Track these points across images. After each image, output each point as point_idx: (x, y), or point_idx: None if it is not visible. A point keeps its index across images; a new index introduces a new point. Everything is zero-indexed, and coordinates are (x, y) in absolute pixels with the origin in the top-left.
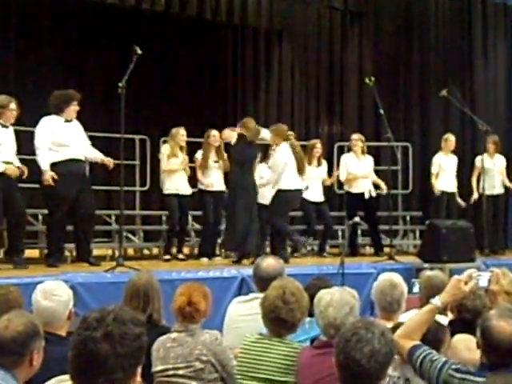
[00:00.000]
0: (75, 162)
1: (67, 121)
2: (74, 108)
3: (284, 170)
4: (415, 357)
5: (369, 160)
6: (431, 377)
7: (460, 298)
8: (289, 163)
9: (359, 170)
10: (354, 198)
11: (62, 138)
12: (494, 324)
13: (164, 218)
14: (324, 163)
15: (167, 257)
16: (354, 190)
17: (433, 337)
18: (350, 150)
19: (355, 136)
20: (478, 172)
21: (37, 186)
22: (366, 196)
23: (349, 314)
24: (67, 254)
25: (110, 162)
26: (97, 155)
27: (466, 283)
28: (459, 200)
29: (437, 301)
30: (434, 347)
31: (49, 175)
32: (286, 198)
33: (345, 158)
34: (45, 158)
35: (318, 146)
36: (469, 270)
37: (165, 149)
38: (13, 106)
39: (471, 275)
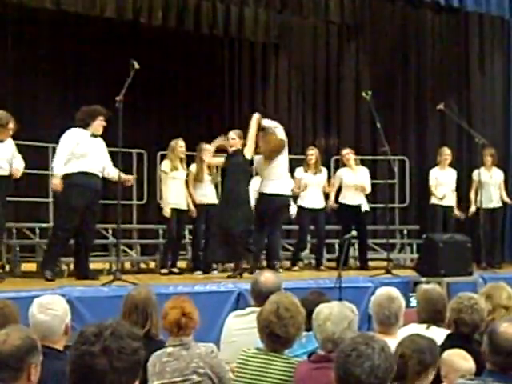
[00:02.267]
0: (91, 176)
1: (93, 135)
2: (100, 123)
3: None
4: None
5: (364, 171)
6: None
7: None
8: None
9: (356, 182)
10: (347, 210)
11: (85, 150)
12: (500, 327)
13: (161, 231)
14: (324, 170)
15: (164, 270)
16: (349, 201)
17: (430, 355)
18: (344, 165)
19: (346, 150)
20: (475, 186)
21: (35, 199)
22: (363, 209)
23: (347, 328)
24: (64, 267)
25: (129, 179)
26: (115, 174)
27: None
28: (457, 212)
29: None
30: (434, 366)
31: (58, 181)
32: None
33: (339, 172)
34: (60, 163)
35: (310, 153)
36: None
37: (165, 166)
38: (11, 125)
39: None
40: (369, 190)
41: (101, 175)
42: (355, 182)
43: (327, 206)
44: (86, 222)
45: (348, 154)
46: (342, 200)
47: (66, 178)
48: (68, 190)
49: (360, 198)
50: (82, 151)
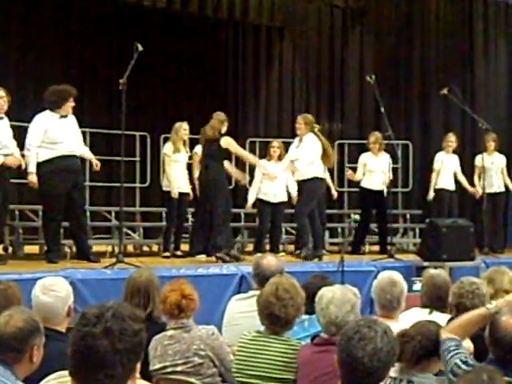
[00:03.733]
0: (69, 158)
1: (62, 116)
2: (70, 104)
3: (315, 159)
4: (442, 349)
5: (386, 157)
6: (446, 365)
7: None
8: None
9: (378, 168)
10: (369, 194)
11: (56, 135)
12: (501, 319)
13: (164, 214)
14: None
15: (167, 253)
16: (370, 186)
17: (437, 347)
18: (367, 149)
19: (372, 138)
20: (478, 171)
21: None
22: (385, 192)
23: (350, 312)
24: (67, 250)
25: (97, 164)
26: (86, 153)
27: None
28: (472, 189)
29: (492, 306)
30: (439, 356)
31: (34, 178)
32: (316, 187)
33: (363, 157)
34: (33, 159)
35: None
36: None
37: (167, 149)
38: (1, 93)
39: None
40: (388, 177)
41: (78, 154)
42: (379, 167)
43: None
44: (76, 203)
45: (374, 143)
46: (363, 185)
47: (45, 165)
48: (48, 178)
49: (382, 183)
50: (54, 135)
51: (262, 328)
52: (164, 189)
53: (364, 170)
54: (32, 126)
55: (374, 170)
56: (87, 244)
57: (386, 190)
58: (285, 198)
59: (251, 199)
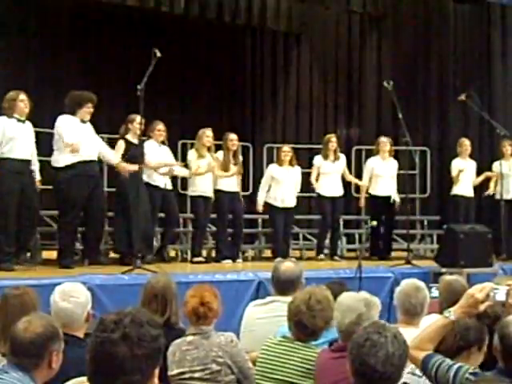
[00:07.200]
0: (88, 163)
1: (82, 121)
2: (87, 110)
3: None
4: (430, 365)
5: (394, 163)
6: (448, 382)
7: (474, 315)
8: None
9: (385, 172)
10: (377, 201)
11: (78, 138)
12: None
13: (181, 220)
14: (342, 157)
15: (200, 259)
16: (379, 192)
17: (475, 337)
18: (377, 153)
19: (384, 139)
20: (496, 177)
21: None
22: (393, 200)
23: (355, 320)
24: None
25: (129, 169)
26: (112, 157)
27: (482, 302)
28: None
29: (450, 314)
30: (478, 347)
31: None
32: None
33: (370, 162)
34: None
35: (333, 140)
36: (486, 285)
37: (191, 155)
38: (22, 96)
39: (489, 293)
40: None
41: (96, 159)
42: (386, 173)
43: (359, 203)
44: (92, 209)
45: (385, 143)
46: (371, 191)
47: (65, 170)
48: (68, 184)
49: (390, 189)
50: (77, 138)
51: (280, 335)
52: (191, 194)
53: (371, 175)
54: (62, 126)
55: (381, 174)
56: (99, 248)
57: (396, 197)
58: (293, 203)
59: (260, 203)
